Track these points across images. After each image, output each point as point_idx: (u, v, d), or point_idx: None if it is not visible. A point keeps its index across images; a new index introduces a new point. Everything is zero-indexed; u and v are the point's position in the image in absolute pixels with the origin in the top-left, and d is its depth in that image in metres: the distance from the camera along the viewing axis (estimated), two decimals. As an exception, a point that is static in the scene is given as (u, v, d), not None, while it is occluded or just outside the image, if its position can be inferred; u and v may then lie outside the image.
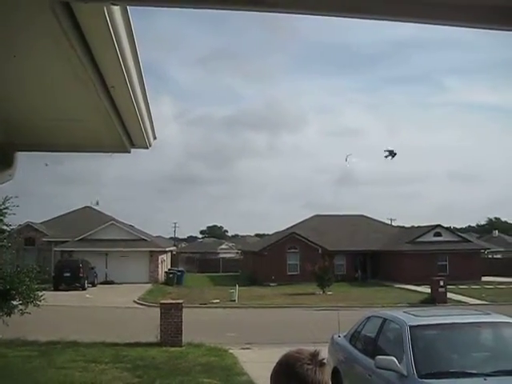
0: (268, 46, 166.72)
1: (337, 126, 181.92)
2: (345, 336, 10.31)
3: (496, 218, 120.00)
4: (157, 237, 62.05)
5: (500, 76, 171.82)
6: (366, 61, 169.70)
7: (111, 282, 47.36)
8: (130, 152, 4.62)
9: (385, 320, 8.81)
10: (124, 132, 3.85)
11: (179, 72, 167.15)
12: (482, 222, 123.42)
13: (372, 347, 8.63)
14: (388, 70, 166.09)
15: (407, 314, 8.61)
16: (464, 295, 37.97)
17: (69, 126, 3.80)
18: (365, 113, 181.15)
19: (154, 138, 4.60)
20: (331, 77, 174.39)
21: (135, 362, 13.95)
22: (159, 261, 51.79)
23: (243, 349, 17.29)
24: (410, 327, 7.75)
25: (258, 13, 1.72)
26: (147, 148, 4.73)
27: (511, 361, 7.32)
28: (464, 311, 10.55)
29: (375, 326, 8.99)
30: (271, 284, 48.33)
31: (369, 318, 9.73)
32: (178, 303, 17.97)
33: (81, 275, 41.12)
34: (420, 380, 6.77)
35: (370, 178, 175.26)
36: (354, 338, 9.72)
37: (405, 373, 7.03)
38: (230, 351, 16.30)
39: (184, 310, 17.71)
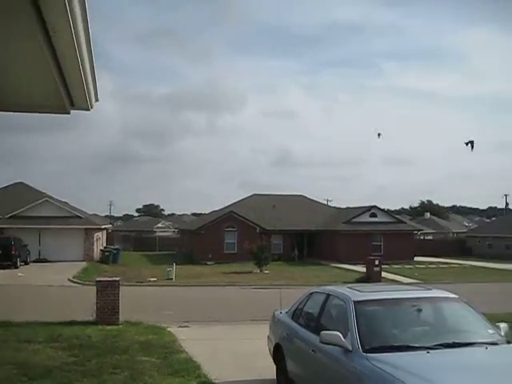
0: (208, 24, 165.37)
1: (276, 106, 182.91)
2: (287, 312, 10.24)
3: (428, 201, 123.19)
4: (92, 215, 60.79)
5: (434, 62, 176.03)
6: (305, 43, 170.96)
7: (45, 260, 46.22)
8: (69, 113, 4.29)
9: (328, 296, 8.77)
10: (64, 89, 3.53)
11: (118, 48, 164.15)
12: (415, 205, 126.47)
13: (315, 323, 8.58)
14: (326, 53, 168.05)
15: (351, 290, 8.60)
16: (398, 274, 38.86)
17: (3, 81, 3.46)
18: (303, 94, 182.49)
19: (96, 99, 4.28)
20: (271, 57, 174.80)
21: (71, 341, 13.56)
22: (94, 239, 50.83)
23: (181, 327, 17.10)
24: (355, 302, 7.74)
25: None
26: (88, 110, 4.40)
27: (452, 334, 7.40)
28: (407, 287, 10.66)
29: (318, 302, 8.93)
30: (208, 263, 48.22)
31: (312, 293, 9.68)
32: (115, 281, 17.58)
33: (13, 253, 39.85)
34: (365, 354, 6.75)
35: (308, 159, 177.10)
36: (297, 314, 9.65)
37: (350, 347, 7.01)
38: (168, 329, 16.10)
39: (121, 288, 17.36)
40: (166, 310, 21.01)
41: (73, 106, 4.17)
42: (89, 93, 3.82)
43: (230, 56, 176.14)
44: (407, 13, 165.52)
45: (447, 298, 8.39)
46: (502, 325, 7.80)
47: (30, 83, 3.36)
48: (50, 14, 2.30)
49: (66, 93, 3.54)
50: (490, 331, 7.54)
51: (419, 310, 8.12)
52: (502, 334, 7.53)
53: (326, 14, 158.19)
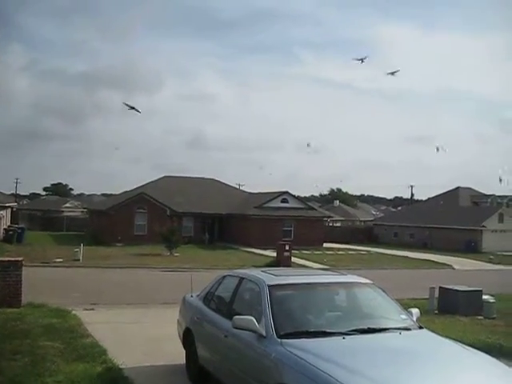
0: (130, 3, 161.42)
1: (192, 89, 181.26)
2: (198, 296, 9.96)
3: (338, 189, 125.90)
4: (-5, 192, 58.18)
5: (350, 54, 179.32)
6: (225, 26, 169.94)
7: None
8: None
9: (242, 279, 8.54)
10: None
11: (34, 22, 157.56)
12: (325, 192, 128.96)
13: (228, 307, 8.34)
14: (245, 38, 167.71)
15: (266, 274, 8.39)
16: (307, 260, 39.36)
17: None
18: (220, 78, 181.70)
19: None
20: (190, 39, 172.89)
21: (-35, 325, 12.76)
22: (-3, 217, 48.65)
23: (87, 310, 16.51)
24: (269, 286, 7.54)
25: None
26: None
27: (366, 320, 7.36)
28: (322, 272, 10.58)
29: (231, 286, 8.69)
30: (118, 244, 47.18)
31: (224, 277, 9.43)
32: (17, 261, 16.68)
33: None
34: (279, 340, 6.57)
35: (221, 143, 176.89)
36: (208, 298, 9.39)
37: (263, 333, 6.81)
38: (74, 312, 15.42)
39: (25, 269, 16.50)
40: (72, 293, 20.29)
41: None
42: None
43: (150, 36, 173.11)
44: (326, 2, 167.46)
45: (361, 283, 8.35)
46: (414, 310, 7.87)
47: None
48: None
49: None
50: (403, 317, 7.56)
51: (334, 295, 8.04)
52: (414, 319, 7.58)
53: (249, 0, 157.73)
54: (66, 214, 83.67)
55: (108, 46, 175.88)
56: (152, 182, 60.03)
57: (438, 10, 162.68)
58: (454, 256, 48.11)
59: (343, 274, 9.14)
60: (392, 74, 31.65)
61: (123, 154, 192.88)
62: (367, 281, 8.42)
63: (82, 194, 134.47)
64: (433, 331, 7.61)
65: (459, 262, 43.33)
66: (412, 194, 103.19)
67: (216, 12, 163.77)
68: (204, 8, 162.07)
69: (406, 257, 46.91)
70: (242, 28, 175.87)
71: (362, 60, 30.32)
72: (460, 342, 7.56)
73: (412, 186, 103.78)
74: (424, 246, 60.59)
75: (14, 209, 65.95)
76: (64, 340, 11.63)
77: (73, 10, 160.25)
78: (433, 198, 75.78)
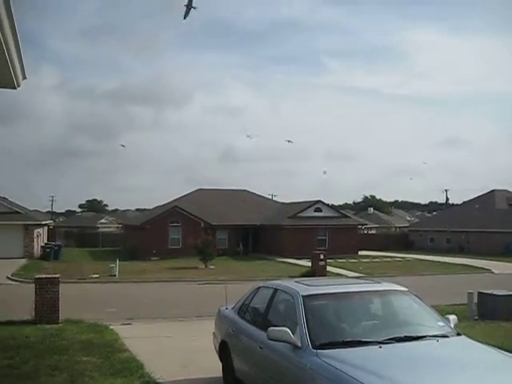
0: (154, 19, 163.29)
1: (221, 102, 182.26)
2: (233, 308, 9.94)
3: (371, 196, 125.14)
4: (33, 211, 59.18)
5: (378, 61, 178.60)
6: (252, 38, 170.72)
7: (-18, 258, 44.63)
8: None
9: (276, 290, 8.50)
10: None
11: (63, 43, 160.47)
12: (359, 200, 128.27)
13: (263, 319, 8.31)
14: (272, 49, 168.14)
15: (299, 284, 8.35)
16: (343, 268, 39.11)
17: None
18: (248, 90, 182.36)
19: (24, 77, 3.91)
20: (218, 53, 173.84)
21: (6, 342, 12.90)
22: (35, 235, 49.45)
23: (124, 324, 16.63)
24: (303, 297, 7.49)
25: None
26: (15, 88, 4.04)
27: (403, 328, 7.25)
28: (356, 280, 10.49)
29: (266, 297, 8.66)
30: (153, 258, 47.55)
31: (258, 288, 9.40)
32: (55, 278, 16.91)
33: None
34: (315, 351, 6.51)
35: (252, 154, 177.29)
36: (243, 309, 9.37)
37: (299, 344, 6.75)
38: (111, 327, 15.57)
39: (62, 285, 16.71)
40: (109, 308, 20.48)
41: (-2, 83, 3.71)
42: (15, 70, 3.40)
43: (176, 51, 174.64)
44: (352, 11, 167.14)
45: (397, 290, 8.24)
46: (452, 317, 7.74)
47: None
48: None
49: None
50: (440, 324, 7.43)
51: (369, 304, 7.95)
52: (452, 326, 7.46)
53: (273, 11, 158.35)
54: (101, 229, 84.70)
55: (137, 64, 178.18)
56: (185, 195, 60.41)
57: (460, 12, 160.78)
58: (492, 260, 47.29)
59: (378, 282, 9.02)
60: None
61: (156, 169, 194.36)
62: (403, 288, 8.31)
63: (116, 210, 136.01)
64: (472, 338, 7.47)
65: (498, 266, 42.57)
66: (447, 199, 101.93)
67: (243, 24, 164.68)
68: (229, 21, 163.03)
69: (443, 262, 46.26)
70: (268, 39, 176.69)
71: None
72: (500, 348, 7.41)
73: (447, 191, 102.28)
74: (461, 251, 59.70)
75: (51, 226, 67.03)
76: (102, 355, 11.71)
77: (99, 29, 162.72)
78: (468, 201, 74.66)
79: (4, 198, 52.57)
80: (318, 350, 6.48)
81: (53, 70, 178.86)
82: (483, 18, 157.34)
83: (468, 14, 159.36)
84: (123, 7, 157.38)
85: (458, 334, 7.28)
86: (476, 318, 17.32)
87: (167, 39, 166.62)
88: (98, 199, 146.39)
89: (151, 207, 70.63)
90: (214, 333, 10.47)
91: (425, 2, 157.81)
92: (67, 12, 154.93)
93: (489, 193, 71.53)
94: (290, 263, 43.98)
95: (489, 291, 18.04)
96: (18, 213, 48.94)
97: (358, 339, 6.71)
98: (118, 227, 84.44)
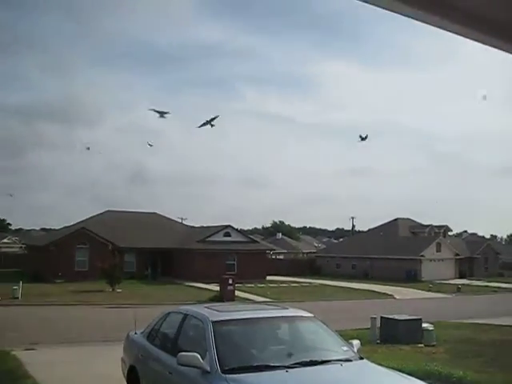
0: (72, 37, 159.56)
1: (132, 123, 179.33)
2: (142, 333, 9.93)
3: (280, 222, 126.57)
4: None
5: (292, 90, 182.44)
6: (167, 61, 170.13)
7: None
8: None
9: (186, 315, 8.60)
10: None
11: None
12: (268, 225, 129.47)
13: (172, 344, 8.37)
14: (186, 72, 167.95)
15: (209, 310, 8.49)
16: (251, 293, 39.42)
17: None
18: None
19: None
20: (134, 74, 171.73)
21: None
22: None
23: (28, 350, 16.15)
24: (213, 322, 7.63)
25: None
26: None
27: (309, 352, 7.53)
28: (264, 306, 10.73)
29: (175, 322, 8.73)
30: (58, 281, 46.14)
31: (168, 313, 9.46)
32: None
33: None
34: (224, 375, 6.66)
35: (162, 177, 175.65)
36: (153, 335, 9.39)
37: (208, 369, 6.88)
38: (13, 353, 15.08)
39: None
40: (11, 332, 19.77)
41: None
42: None
43: (91, 70, 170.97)
44: (268, 41, 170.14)
45: (303, 316, 8.53)
46: (355, 342, 8.09)
47: None
48: None
49: None
50: (344, 348, 7.76)
51: (277, 329, 8.18)
52: (355, 350, 7.79)
53: (191, 35, 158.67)
54: (3, 250, 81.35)
55: (48, 80, 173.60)
56: (93, 216, 59.14)
57: (371, 48, 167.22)
58: (394, 286, 49.03)
59: (285, 308, 9.30)
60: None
61: (63, 188, 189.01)
62: (308, 314, 8.61)
63: (20, 229, 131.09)
64: (373, 361, 7.84)
65: (400, 292, 44.19)
66: (353, 226, 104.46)
67: (157, 46, 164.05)
68: (147, 42, 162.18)
69: (348, 288, 47.50)
70: (184, 62, 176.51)
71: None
72: (400, 370, 7.80)
73: (353, 218, 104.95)
74: (365, 277, 61.48)
75: None
76: (4, 382, 11.36)
77: (11, 42, 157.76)
78: (373, 229, 77.07)
79: None
80: (227, 375, 6.64)
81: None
82: (392, 53, 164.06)
83: (377, 49, 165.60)
84: (37, 23, 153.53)
85: (361, 358, 7.63)
86: (378, 341, 17.96)
87: (83, 58, 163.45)
88: (1, 218, 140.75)
89: (57, 227, 68.68)
90: (122, 358, 10.40)
91: (335, 36, 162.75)
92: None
93: (392, 221, 74.16)
94: (198, 287, 43.85)
95: (390, 316, 18.77)
96: None
97: (266, 364, 6.92)
98: (21, 247, 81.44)
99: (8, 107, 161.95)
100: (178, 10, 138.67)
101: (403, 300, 38.54)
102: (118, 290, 39.65)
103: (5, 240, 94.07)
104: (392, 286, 49.01)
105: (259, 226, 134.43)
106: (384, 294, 42.92)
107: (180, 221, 74.64)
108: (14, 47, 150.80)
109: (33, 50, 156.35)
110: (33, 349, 16.44)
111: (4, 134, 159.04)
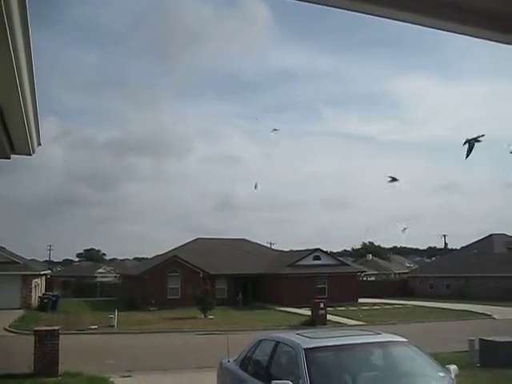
0: (159, 75, 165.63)
1: (219, 152, 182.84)
2: (235, 361, 9.96)
3: (370, 243, 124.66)
4: (31, 260, 59.00)
5: (371, 108, 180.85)
6: (248, 88, 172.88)
7: (-21, 309, 44.27)
8: (9, 158, 4.05)
9: (278, 343, 8.57)
10: (4, 133, 3.31)
11: (66, 95, 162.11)
12: (357, 247, 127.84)
13: (265, 371, 8.36)
14: (267, 98, 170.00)
15: (301, 337, 8.43)
16: (343, 316, 38.85)
17: None
18: (246, 139, 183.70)
19: (39, 143, 4.04)
20: (215, 103, 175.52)
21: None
22: (33, 285, 49.21)
23: (124, 377, 16.53)
24: (305, 350, 7.56)
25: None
26: (30, 155, 4.14)
27: (403, 379, 7.32)
28: (356, 332, 10.54)
29: (267, 350, 8.72)
30: (151, 308, 47.17)
31: (260, 341, 9.45)
32: (54, 330, 16.89)
33: None
34: (317, 403, 6.56)
35: (250, 203, 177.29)
36: (245, 362, 9.40)
37: (301, 397, 6.81)
38: (111, 380, 15.50)
39: (60, 337, 16.67)
40: (108, 359, 20.32)
41: (13, 150, 3.89)
42: (31, 137, 3.56)
43: (177, 103, 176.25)
44: (345, 61, 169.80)
45: (396, 341, 8.32)
46: (452, 367, 7.81)
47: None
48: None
49: (7, 137, 3.27)
50: (441, 374, 7.50)
51: (369, 355, 8.01)
52: (453, 376, 7.51)
53: (268, 62, 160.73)
54: (99, 279, 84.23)
55: (137, 115, 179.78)
56: (184, 244, 60.32)
57: (450, 60, 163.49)
58: (493, 305, 47.04)
59: (378, 333, 9.09)
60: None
61: (154, 218, 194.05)
62: (402, 339, 8.38)
63: (114, 259, 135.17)
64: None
65: (499, 311, 42.33)
66: (445, 244, 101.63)
67: (237, 75, 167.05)
68: (227, 72, 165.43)
69: (444, 308, 46.00)
70: (263, 88, 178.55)
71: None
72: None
73: (445, 236, 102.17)
74: (461, 296, 59.31)
75: (49, 276, 66.63)
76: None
77: (103, 83, 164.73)
78: (466, 246, 74.58)
79: (1, 247, 52.46)
80: (321, 403, 6.54)
81: (54, 121, 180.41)
82: (471, 66, 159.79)
83: (457, 62, 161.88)
84: (119, 61, 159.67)
85: (458, 385, 7.34)
86: (478, 365, 17.25)
87: (169, 92, 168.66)
88: (96, 248, 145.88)
89: (150, 256, 70.41)
90: (215, 385, 10.48)
91: (412, 49, 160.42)
92: (68, 66, 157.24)
93: (487, 237, 71.52)
94: (289, 312, 43.67)
95: (490, 338, 17.99)
96: (16, 263, 48.79)
97: (359, 391, 6.78)
98: (115, 277, 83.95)
99: (100, 143, 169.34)
100: (258, 39, 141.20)
101: (503, 320, 36.90)
102: (210, 317, 40.03)
103: (100, 270, 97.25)
104: (490, 305, 47.03)
105: (348, 248, 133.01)
106: (482, 313, 41.25)
107: (269, 246, 74.96)
108: (106, 87, 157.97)
109: (123, 88, 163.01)
110: (129, 376, 16.81)
111: (97, 168, 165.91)
